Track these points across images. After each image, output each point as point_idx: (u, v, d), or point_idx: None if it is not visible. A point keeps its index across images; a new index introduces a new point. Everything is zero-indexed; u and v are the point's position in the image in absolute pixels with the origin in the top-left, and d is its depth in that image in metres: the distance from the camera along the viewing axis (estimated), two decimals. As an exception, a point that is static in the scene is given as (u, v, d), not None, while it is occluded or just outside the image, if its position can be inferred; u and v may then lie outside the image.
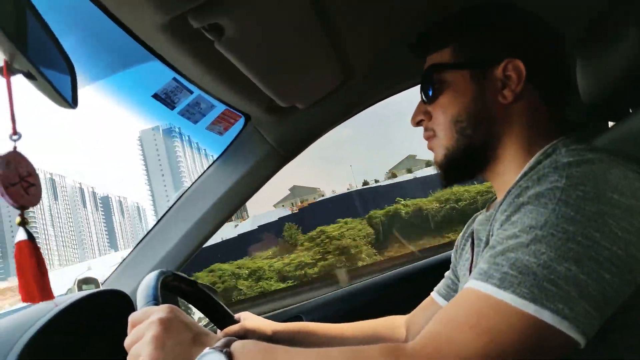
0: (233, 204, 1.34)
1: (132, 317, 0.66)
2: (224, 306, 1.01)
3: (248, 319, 1.04)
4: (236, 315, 1.05)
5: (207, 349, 0.59)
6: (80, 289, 1.22)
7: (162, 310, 0.64)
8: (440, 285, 1.03)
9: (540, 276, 0.53)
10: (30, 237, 0.55)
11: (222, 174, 1.33)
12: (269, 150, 1.33)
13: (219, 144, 1.33)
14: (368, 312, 1.36)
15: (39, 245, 0.55)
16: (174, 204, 1.36)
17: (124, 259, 1.34)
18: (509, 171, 0.77)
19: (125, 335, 0.64)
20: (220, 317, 1.01)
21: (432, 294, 1.04)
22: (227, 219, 1.36)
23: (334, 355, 0.58)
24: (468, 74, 0.77)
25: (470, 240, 0.86)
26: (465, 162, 0.80)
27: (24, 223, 0.54)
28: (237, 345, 0.60)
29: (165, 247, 1.30)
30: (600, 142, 0.91)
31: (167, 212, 1.36)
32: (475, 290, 0.57)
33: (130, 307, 1.08)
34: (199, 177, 1.36)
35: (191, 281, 0.94)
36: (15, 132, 0.58)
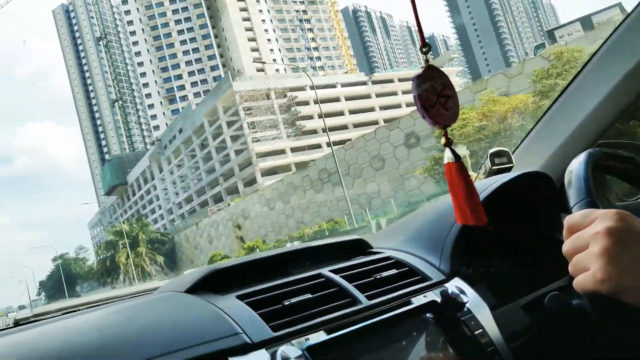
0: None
1: (569, 220, 0.58)
2: None
3: None
4: None
5: None
6: (492, 162, 1.22)
7: (610, 218, 0.53)
8: None
9: None
10: (457, 158, 0.52)
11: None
12: None
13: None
14: None
15: (465, 166, 0.52)
16: (588, 61, 1.11)
17: (528, 133, 1.23)
18: None
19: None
20: None
21: None
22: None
23: None
24: None
25: None
26: None
27: (449, 143, 0.52)
28: None
29: (577, 117, 1.10)
30: None
31: (578, 74, 1.12)
32: None
33: (552, 188, 0.99)
34: (620, 25, 1.04)
35: (628, 157, 0.79)
36: (424, 44, 0.54)
